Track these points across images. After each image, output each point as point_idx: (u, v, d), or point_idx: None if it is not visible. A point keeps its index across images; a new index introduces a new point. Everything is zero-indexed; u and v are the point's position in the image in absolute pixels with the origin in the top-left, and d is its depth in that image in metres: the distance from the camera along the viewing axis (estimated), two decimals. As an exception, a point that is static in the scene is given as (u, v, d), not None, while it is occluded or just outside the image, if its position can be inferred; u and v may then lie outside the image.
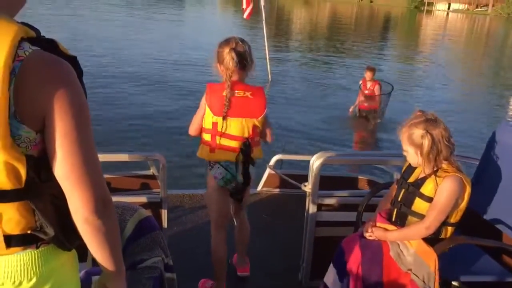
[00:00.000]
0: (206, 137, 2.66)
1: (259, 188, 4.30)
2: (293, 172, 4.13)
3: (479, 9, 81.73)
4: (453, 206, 2.25)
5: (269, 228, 3.72)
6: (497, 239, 2.67)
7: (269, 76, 11.87)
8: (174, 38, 19.30)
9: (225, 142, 2.63)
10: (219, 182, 2.70)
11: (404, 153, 2.37)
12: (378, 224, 2.41)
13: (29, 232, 1.10)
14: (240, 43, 2.63)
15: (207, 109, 2.62)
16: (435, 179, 2.26)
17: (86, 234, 1.13)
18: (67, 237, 1.14)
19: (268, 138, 2.80)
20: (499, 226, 2.63)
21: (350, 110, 9.32)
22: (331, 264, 2.46)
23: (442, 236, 2.33)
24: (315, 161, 2.77)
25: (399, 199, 2.41)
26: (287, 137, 7.32)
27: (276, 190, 4.31)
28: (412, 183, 2.37)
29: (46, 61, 1.05)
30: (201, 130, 2.70)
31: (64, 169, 1.06)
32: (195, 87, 10.34)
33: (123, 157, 2.96)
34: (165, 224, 2.89)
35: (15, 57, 1.00)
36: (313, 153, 2.89)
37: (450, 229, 2.34)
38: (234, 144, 2.63)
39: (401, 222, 2.38)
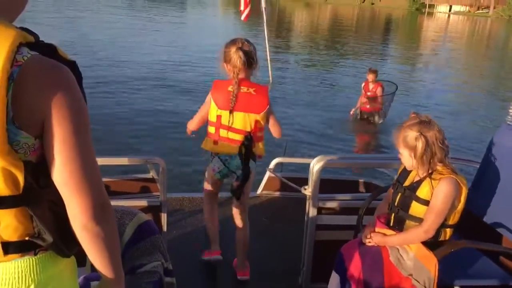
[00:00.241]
0: (211, 129, 2.86)
1: (259, 191, 4.29)
2: (293, 175, 4.12)
3: (480, 11, 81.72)
4: (450, 208, 2.25)
5: (269, 232, 3.71)
6: (498, 243, 2.66)
7: (270, 78, 11.86)
8: (175, 41, 19.29)
9: (229, 135, 2.81)
10: (216, 175, 2.97)
11: (399, 156, 2.37)
12: (377, 229, 2.41)
13: (27, 238, 1.09)
14: (246, 43, 2.83)
15: (212, 103, 2.82)
16: (431, 181, 2.26)
17: (84, 241, 1.12)
18: (65, 243, 1.13)
19: (276, 134, 2.98)
20: (500, 230, 2.62)
21: (351, 112, 9.29)
22: (334, 271, 2.45)
23: (441, 238, 2.33)
24: (316, 165, 2.76)
25: (396, 203, 2.40)
26: (287, 139, 7.31)
27: (276, 194, 4.30)
28: (408, 186, 2.36)
29: (45, 66, 1.05)
30: (203, 123, 2.95)
31: (63, 175, 1.06)
32: (196, 90, 10.32)
33: (122, 160, 2.96)
34: (164, 228, 2.88)
35: (13, 62, 1.00)
36: (313, 156, 2.89)
37: (448, 231, 2.34)
38: (237, 137, 2.81)
39: (399, 226, 2.38)
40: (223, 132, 2.81)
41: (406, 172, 2.42)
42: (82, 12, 27.59)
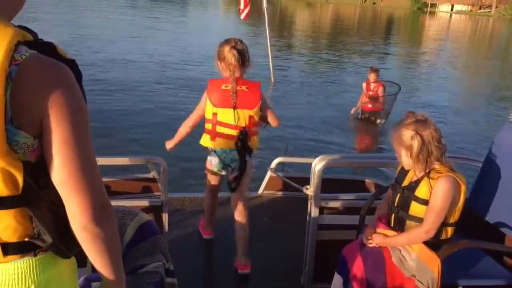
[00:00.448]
0: (208, 126, 3.01)
1: (261, 191, 4.28)
2: (295, 174, 4.11)
3: (482, 11, 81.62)
4: (450, 206, 2.23)
5: (271, 231, 3.70)
6: (501, 242, 2.64)
7: (272, 78, 11.85)
8: (176, 40, 19.29)
9: (224, 130, 2.97)
10: (214, 168, 3.12)
11: (396, 155, 2.36)
12: (378, 230, 2.39)
13: (26, 239, 1.08)
14: (239, 42, 3.00)
15: (208, 101, 2.97)
16: (429, 180, 2.24)
17: (84, 242, 1.11)
18: (65, 244, 1.12)
19: (275, 123, 3.12)
20: (503, 229, 2.61)
21: (352, 111, 9.28)
22: (336, 273, 2.44)
23: (443, 237, 2.32)
24: (317, 164, 2.75)
25: (395, 204, 2.39)
26: (289, 138, 7.29)
27: (278, 193, 4.29)
28: (406, 186, 2.35)
29: (44, 65, 1.04)
30: (198, 121, 3.11)
31: (62, 175, 1.05)
32: (197, 90, 10.26)
33: (123, 160, 2.95)
34: (166, 228, 2.88)
35: (11, 61, 0.98)
36: (315, 156, 2.87)
37: (450, 229, 2.33)
38: (232, 132, 2.97)
39: (400, 227, 2.36)
40: (219, 128, 2.97)
41: (404, 172, 2.41)
42: (83, 11, 27.60)
